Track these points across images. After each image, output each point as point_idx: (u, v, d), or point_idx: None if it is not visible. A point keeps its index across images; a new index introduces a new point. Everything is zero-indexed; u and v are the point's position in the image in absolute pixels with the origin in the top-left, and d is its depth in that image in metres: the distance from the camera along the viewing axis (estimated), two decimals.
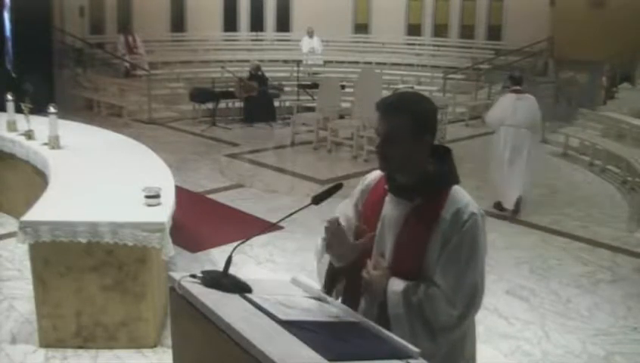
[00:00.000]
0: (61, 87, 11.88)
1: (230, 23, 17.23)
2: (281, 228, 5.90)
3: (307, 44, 15.89)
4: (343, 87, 11.84)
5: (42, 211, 4.04)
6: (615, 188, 8.40)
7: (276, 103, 12.42)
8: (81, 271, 3.95)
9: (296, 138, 10.61)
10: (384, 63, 15.36)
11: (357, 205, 2.32)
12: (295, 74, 12.96)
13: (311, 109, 11.45)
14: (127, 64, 14.09)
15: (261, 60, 13.69)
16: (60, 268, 3.94)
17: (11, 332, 4.22)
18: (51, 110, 5.52)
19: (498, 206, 7.19)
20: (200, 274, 2.12)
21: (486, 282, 2.11)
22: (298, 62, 13.92)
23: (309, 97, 12.08)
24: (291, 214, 2.34)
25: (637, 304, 5.04)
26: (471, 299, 2.06)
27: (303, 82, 12.67)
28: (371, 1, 17.47)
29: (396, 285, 2.08)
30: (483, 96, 13.49)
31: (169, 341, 3.10)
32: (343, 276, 2.26)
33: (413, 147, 2.08)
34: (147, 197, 4.14)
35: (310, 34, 15.85)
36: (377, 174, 2.29)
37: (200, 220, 6.53)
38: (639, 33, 13.14)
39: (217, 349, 1.88)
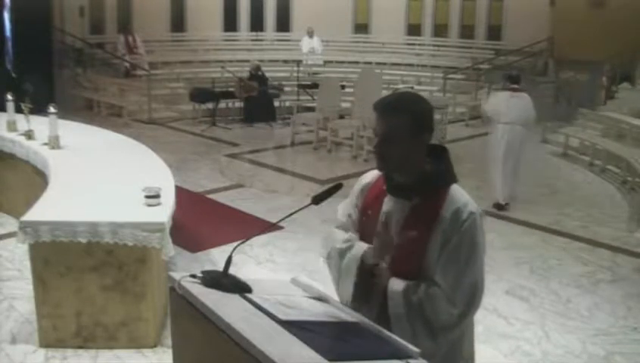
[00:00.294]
0: (61, 87, 11.88)
1: (230, 23, 17.23)
2: (281, 227, 5.90)
3: (307, 44, 15.88)
4: (343, 87, 11.83)
5: (42, 211, 4.04)
6: (615, 188, 8.40)
7: (276, 103, 12.42)
8: (81, 271, 3.95)
9: (296, 138, 10.60)
10: (384, 63, 15.36)
11: (357, 205, 2.32)
12: (295, 74, 12.95)
13: (311, 109, 11.45)
14: (127, 64, 14.09)
15: (261, 60, 13.69)
16: (60, 268, 3.94)
17: (11, 332, 4.22)
18: (51, 110, 5.52)
19: (498, 205, 7.23)
20: (200, 274, 2.12)
21: (485, 282, 2.12)
22: (298, 62, 13.92)
23: (309, 97, 12.08)
24: (291, 214, 2.35)
25: (637, 304, 5.04)
26: (471, 298, 2.07)
27: (303, 82, 12.66)
28: (371, 1, 17.47)
29: (397, 285, 2.09)
30: (483, 96, 13.46)
31: (169, 341, 3.10)
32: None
33: (411, 146, 2.09)
34: (147, 197, 4.14)
35: (310, 34, 15.85)
36: (374, 174, 2.30)
37: (200, 220, 6.53)
38: (639, 33, 13.14)
39: (217, 349, 1.88)
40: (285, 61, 15.90)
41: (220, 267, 2.14)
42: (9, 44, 11.25)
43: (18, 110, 6.13)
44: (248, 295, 2.04)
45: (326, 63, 15.88)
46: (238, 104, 12.28)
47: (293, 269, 5.29)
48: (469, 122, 12.46)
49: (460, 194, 2.12)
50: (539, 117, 8.06)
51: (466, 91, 13.67)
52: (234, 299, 2.02)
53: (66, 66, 13.37)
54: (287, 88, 12.82)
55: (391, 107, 2.12)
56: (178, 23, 16.66)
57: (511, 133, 7.17)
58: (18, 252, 5.21)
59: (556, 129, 10.91)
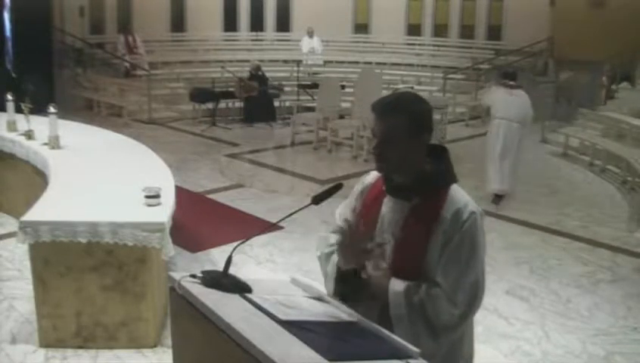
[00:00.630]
0: (61, 87, 11.88)
1: (230, 23, 17.23)
2: (281, 227, 5.90)
3: (307, 44, 15.88)
4: (343, 87, 11.83)
5: (42, 211, 4.04)
6: (615, 188, 8.40)
7: (276, 103, 12.42)
8: (81, 271, 3.95)
9: (296, 138, 10.60)
10: (384, 63, 15.36)
11: (355, 207, 2.32)
12: (295, 74, 12.95)
13: (311, 109, 11.45)
14: (127, 64, 14.09)
15: (261, 60, 13.69)
16: (60, 268, 3.94)
17: (11, 332, 4.22)
18: (51, 110, 5.51)
19: (495, 197, 7.42)
20: (200, 274, 2.12)
21: (486, 282, 2.12)
22: (298, 62, 13.92)
23: (309, 97, 12.08)
24: (291, 214, 2.34)
25: (637, 304, 5.04)
26: (472, 298, 2.07)
27: (303, 82, 12.66)
28: (371, 1, 17.47)
29: (397, 285, 2.08)
30: (483, 97, 13.47)
31: (169, 341, 3.10)
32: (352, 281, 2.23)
33: (410, 146, 2.08)
34: (147, 197, 4.14)
35: (310, 34, 15.84)
36: (374, 175, 2.29)
37: (200, 220, 6.53)
38: (639, 33, 13.14)
39: (217, 349, 1.88)
40: (285, 61, 15.90)
41: (220, 267, 2.14)
42: (9, 44, 11.25)
43: (18, 110, 6.13)
44: (248, 295, 2.04)
45: (326, 63, 15.88)
46: (238, 104, 12.28)
47: (292, 269, 5.29)
48: (469, 122, 12.46)
49: (460, 194, 2.11)
50: (538, 116, 8.11)
51: (466, 91, 13.66)
52: (234, 299, 2.01)
53: (66, 66, 13.37)
54: (287, 88, 12.81)
55: (389, 107, 2.11)
56: (178, 23, 16.66)
57: (507, 129, 7.30)
58: (18, 252, 5.21)
59: (556, 129, 10.92)
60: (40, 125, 5.81)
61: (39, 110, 6.12)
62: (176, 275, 2.11)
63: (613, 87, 12.73)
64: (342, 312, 2.08)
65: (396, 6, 17.16)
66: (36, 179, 5.39)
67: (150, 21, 15.68)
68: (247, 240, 2.34)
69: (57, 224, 3.86)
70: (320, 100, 11.07)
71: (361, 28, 17.72)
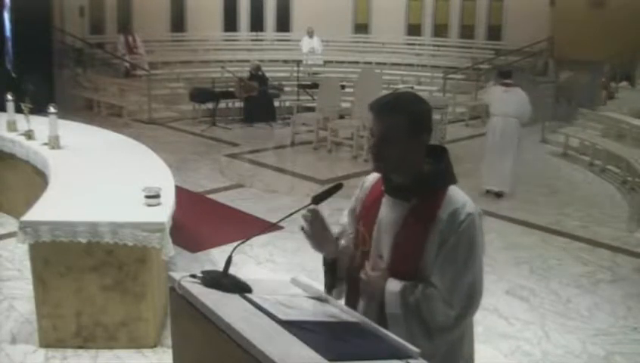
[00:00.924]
0: (61, 87, 11.88)
1: (230, 23, 17.23)
2: (281, 228, 5.89)
3: (307, 44, 15.88)
4: (343, 87, 11.83)
5: (42, 211, 4.04)
6: (615, 188, 8.40)
7: (276, 103, 12.42)
8: (81, 271, 3.95)
9: (296, 138, 10.60)
10: (384, 63, 15.36)
11: (354, 210, 2.32)
12: (295, 74, 12.95)
13: (311, 109, 11.45)
14: (127, 64, 14.09)
15: (261, 60, 13.69)
16: (60, 268, 3.94)
17: (11, 332, 4.22)
18: (51, 110, 5.52)
19: (496, 194, 7.59)
20: (200, 274, 2.12)
21: (485, 282, 2.11)
22: (298, 62, 13.92)
23: (309, 97, 12.07)
24: (291, 214, 2.34)
25: (637, 304, 5.04)
26: (469, 300, 2.06)
27: (303, 82, 12.66)
28: (371, 1, 17.47)
29: (394, 285, 2.08)
30: (482, 96, 13.48)
31: (169, 341, 3.10)
32: (344, 277, 2.28)
33: (409, 147, 2.08)
34: (147, 197, 4.14)
35: (310, 34, 15.85)
36: (375, 176, 2.29)
37: (200, 220, 6.53)
38: (639, 33, 13.14)
39: (217, 349, 1.88)
40: (285, 61, 15.90)
41: (220, 267, 2.14)
42: (9, 44, 11.25)
43: (18, 110, 6.13)
44: (248, 295, 2.04)
45: (326, 63, 15.88)
46: (238, 104, 12.28)
47: (292, 269, 5.29)
48: (469, 122, 12.46)
49: (458, 195, 2.10)
50: (538, 116, 8.16)
51: (466, 91, 13.67)
52: (234, 299, 2.01)
53: (66, 66, 13.37)
54: (287, 88, 12.82)
55: (388, 107, 2.11)
56: (178, 23, 16.66)
57: (504, 124, 7.51)
58: (18, 252, 5.21)
59: (556, 129, 10.92)
60: (40, 125, 5.81)
61: (39, 110, 6.12)
62: (176, 275, 2.11)
63: (613, 84, 12.73)
64: (342, 312, 2.08)
65: (396, 6, 17.16)
66: (36, 179, 5.39)
67: (150, 21, 15.68)
68: (247, 240, 2.34)
69: (57, 224, 3.86)
70: (320, 100, 11.07)
71: (361, 28, 17.72)
